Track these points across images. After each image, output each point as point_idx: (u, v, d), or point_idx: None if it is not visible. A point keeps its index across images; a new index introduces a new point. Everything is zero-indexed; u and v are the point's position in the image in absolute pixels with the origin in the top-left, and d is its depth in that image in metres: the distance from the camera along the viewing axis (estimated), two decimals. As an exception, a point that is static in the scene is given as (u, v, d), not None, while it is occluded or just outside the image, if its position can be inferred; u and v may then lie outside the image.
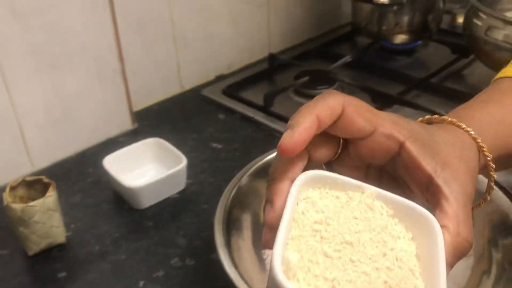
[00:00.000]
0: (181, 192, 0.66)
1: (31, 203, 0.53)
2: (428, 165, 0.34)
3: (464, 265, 0.49)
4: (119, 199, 0.65)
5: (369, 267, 0.31)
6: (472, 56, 0.92)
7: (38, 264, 0.56)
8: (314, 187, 0.34)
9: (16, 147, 0.67)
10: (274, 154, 0.54)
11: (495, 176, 0.38)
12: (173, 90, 0.88)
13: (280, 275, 0.28)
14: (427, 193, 0.34)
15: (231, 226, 0.49)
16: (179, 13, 0.83)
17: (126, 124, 0.78)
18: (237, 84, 0.88)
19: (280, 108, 0.81)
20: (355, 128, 0.34)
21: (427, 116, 0.41)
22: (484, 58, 0.84)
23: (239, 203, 0.51)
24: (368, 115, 0.34)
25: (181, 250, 0.57)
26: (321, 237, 0.32)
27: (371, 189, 0.34)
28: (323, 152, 0.35)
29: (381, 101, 0.79)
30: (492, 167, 0.38)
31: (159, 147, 0.68)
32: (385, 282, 0.31)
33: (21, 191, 0.57)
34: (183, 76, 0.88)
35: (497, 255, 0.47)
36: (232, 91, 0.86)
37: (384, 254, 0.32)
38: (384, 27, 0.95)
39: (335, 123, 0.34)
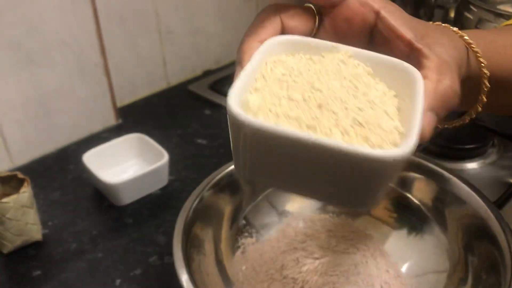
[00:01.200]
0: (163, 189, 0.64)
1: (4, 200, 0.51)
2: (406, 33, 0.32)
3: (438, 275, 0.47)
4: (100, 196, 0.63)
5: (337, 107, 0.28)
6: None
7: (13, 262, 0.54)
8: (286, 54, 0.32)
9: (-6, 143, 0.65)
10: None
11: (487, 72, 0.36)
12: (159, 85, 0.86)
13: (236, 110, 0.26)
14: (409, 62, 0.32)
15: (191, 241, 0.46)
16: (164, 6, 0.81)
17: (109, 120, 0.76)
18: (225, 79, 0.87)
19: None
20: None
21: None
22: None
23: (200, 217, 0.48)
24: None
25: (160, 248, 0.56)
26: (288, 86, 0.30)
27: (347, 48, 0.32)
28: (297, 24, 0.33)
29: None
30: (483, 63, 0.35)
31: (141, 143, 0.67)
32: (354, 119, 0.27)
33: (-5, 188, 0.55)
34: (169, 71, 0.87)
35: (473, 262, 0.45)
36: (219, 87, 0.84)
37: (356, 97, 0.29)
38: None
39: None
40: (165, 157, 0.62)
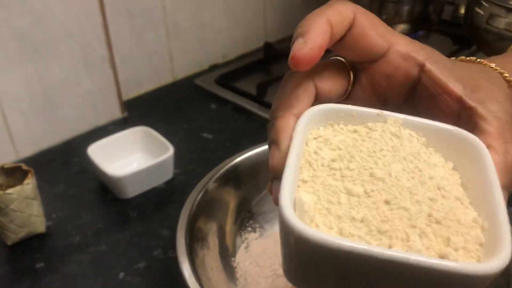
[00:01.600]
0: (168, 182, 0.64)
1: (8, 191, 0.51)
2: (455, 87, 0.28)
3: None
4: (104, 189, 0.63)
5: (408, 201, 0.24)
6: (473, 47, 0.89)
7: (16, 254, 0.54)
8: (325, 125, 0.28)
9: (-1, 136, 0.65)
10: (243, 157, 0.52)
11: None
12: (165, 79, 0.86)
13: (292, 217, 0.22)
14: (459, 122, 0.28)
15: (195, 235, 0.45)
16: (171, 0, 0.80)
17: (115, 113, 0.76)
18: (231, 73, 0.86)
19: (274, 98, 0.78)
20: (368, 43, 0.28)
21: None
22: (486, 48, 0.81)
23: (204, 211, 0.48)
24: (382, 29, 0.29)
25: (164, 241, 0.55)
26: (342, 176, 0.26)
27: (395, 116, 0.28)
28: (332, 86, 0.29)
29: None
30: None
31: (146, 136, 0.66)
32: (429, 215, 0.24)
33: (0, 179, 0.55)
34: (175, 65, 0.86)
35: None
36: (225, 81, 0.84)
37: (423, 183, 0.25)
38: (383, 17, 0.92)
39: (344, 37, 0.28)
40: (170, 151, 0.62)
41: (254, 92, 0.79)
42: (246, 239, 0.52)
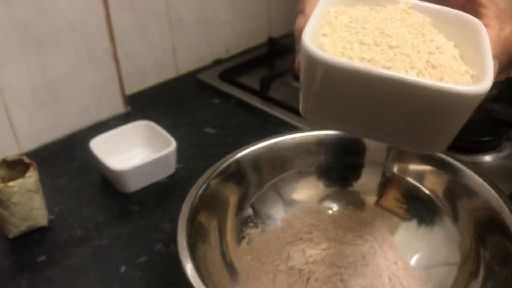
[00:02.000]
0: (170, 177, 0.63)
1: (10, 184, 0.51)
2: None
3: (449, 267, 0.46)
4: (106, 183, 0.63)
5: (410, 51, 0.29)
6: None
7: (17, 247, 0.54)
8: (346, 5, 0.34)
9: (2, 129, 0.65)
10: (245, 152, 0.52)
11: None
12: (168, 74, 0.86)
13: (316, 50, 0.27)
14: (465, 10, 0.33)
15: (196, 229, 0.45)
16: (174, -6, 0.80)
17: (118, 107, 0.76)
18: (234, 68, 0.86)
19: (277, 93, 0.78)
20: None
21: None
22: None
23: (206, 205, 0.48)
24: None
25: (165, 235, 0.55)
26: (356, 32, 0.30)
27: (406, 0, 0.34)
28: None
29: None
30: None
31: (149, 130, 0.66)
32: (427, 61, 0.29)
33: (2, 172, 0.55)
34: (178, 60, 0.86)
35: (485, 254, 0.44)
36: (228, 76, 0.83)
37: (425, 42, 0.30)
38: None
39: None
40: (172, 145, 0.62)
41: (257, 87, 0.79)
42: (248, 234, 0.51)
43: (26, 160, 0.54)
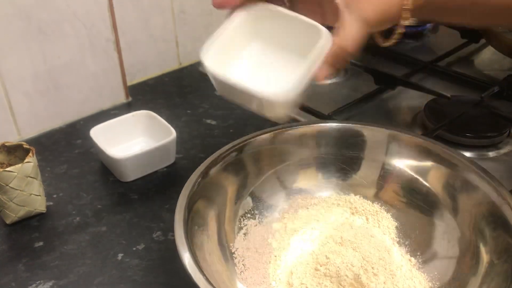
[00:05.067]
0: (170, 167, 0.63)
1: (8, 168, 0.51)
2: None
3: (448, 261, 0.46)
4: (106, 171, 0.63)
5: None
6: (482, 41, 0.88)
7: (15, 232, 0.54)
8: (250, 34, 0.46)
9: (2, 116, 0.65)
10: (245, 142, 0.52)
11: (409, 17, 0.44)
12: (171, 65, 0.85)
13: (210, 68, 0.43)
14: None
15: (194, 218, 0.45)
16: (178, -15, 0.80)
17: (119, 97, 0.76)
18: (237, 61, 0.85)
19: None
20: None
21: None
22: (495, 41, 0.81)
23: (204, 195, 0.48)
24: None
25: (164, 224, 0.55)
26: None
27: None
28: None
29: (385, 82, 0.76)
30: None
31: (149, 120, 0.66)
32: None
33: (1, 157, 0.55)
34: (181, 52, 0.86)
35: (485, 248, 0.44)
36: (230, 69, 0.83)
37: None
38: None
39: None
40: (172, 134, 0.62)
41: (259, 80, 0.78)
42: (245, 225, 0.51)
43: (26, 145, 0.54)
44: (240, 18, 0.45)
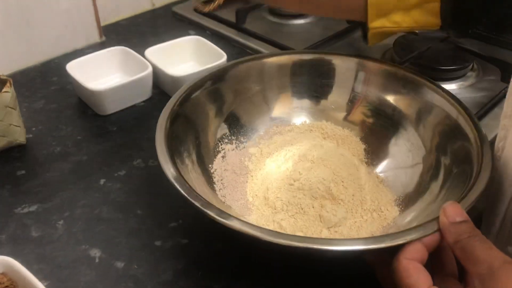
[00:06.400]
0: (147, 101, 0.65)
1: (-13, 98, 0.52)
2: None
3: (412, 172, 0.49)
4: (84, 106, 0.63)
5: None
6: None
7: (-3, 162, 0.55)
8: None
9: (-24, 52, 0.65)
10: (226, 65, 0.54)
11: None
12: (144, 6, 0.85)
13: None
14: None
15: (173, 135, 0.47)
16: None
17: (93, 36, 0.76)
18: (210, 1, 0.86)
19: (253, 25, 0.79)
20: None
21: None
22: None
23: (184, 117, 0.50)
24: None
25: (144, 152, 0.57)
26: None
27: None
28: None
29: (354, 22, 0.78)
30: None
31: (125, 55, 0.66)
32: None
33: (-22, 89, 0.55)
34: (154, -8, 0.86)
35: (445, 161, 0.47)
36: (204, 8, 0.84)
37: None
38: None
39: None
40: (149, 68, 0.63)
41: (233, 20, 0.79)
42: (223, 149, 0.53)
43: (3, 76, 0.54)
44: None
